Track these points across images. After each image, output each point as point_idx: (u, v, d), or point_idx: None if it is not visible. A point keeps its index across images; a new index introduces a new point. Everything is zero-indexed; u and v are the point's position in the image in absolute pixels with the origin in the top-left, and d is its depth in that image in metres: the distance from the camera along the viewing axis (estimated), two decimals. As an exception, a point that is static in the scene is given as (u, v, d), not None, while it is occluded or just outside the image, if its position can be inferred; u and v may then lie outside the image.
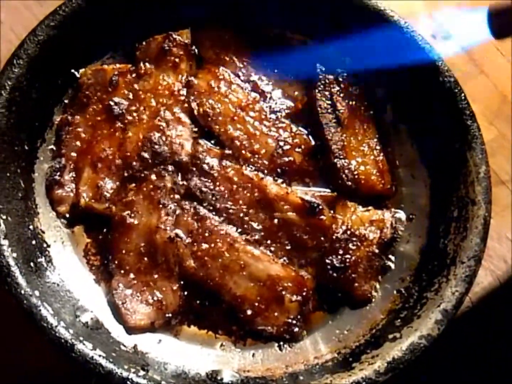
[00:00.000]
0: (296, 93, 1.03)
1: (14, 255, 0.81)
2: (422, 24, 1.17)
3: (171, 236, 0.89)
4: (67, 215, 0.93)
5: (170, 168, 0.94)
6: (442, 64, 0.94)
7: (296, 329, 0.89)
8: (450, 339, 0.88)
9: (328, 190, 0.97)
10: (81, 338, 0.78)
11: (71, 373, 0.87)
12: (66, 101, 0.98)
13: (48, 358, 0.88)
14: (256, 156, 0.97)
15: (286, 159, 0.97)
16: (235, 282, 0.89)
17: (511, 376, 0.96)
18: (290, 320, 0.89)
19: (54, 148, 0.95)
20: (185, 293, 0.90)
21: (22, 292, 0.78)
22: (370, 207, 0.96)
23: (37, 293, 0.80)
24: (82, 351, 0.77)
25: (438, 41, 1.15)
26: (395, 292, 0.92)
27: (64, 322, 0.79)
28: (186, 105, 0.98)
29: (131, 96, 0.98)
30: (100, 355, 0.77)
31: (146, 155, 0.94)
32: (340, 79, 1.02)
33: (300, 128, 1.01)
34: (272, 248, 0.92)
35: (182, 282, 0.89)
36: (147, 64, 1.00)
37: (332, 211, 0.94)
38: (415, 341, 0.80)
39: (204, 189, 0.93)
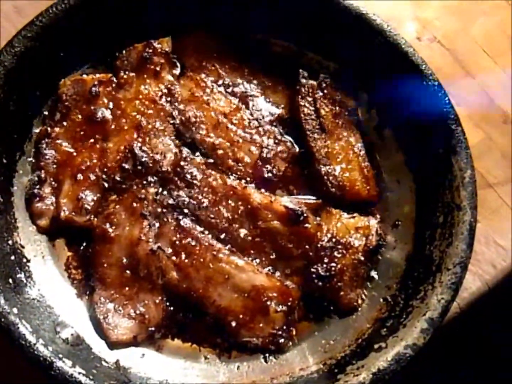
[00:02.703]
0: (279, 99, 1.02)
1: (-8, 272, 0.80)
2: (407, 27, 1.16)
3: (153, 248, 0.88)
4: (48, 229, 0.91)
5: (152, 178, 0.93)
6: (426, 68, 0.93)
7: (282, 340, 0.87)
8: (438, 345, 0.87)
9: (313, 198, 0.96)
10: (60, 355, 0.77)
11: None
12: (45, 112, 0.96)
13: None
14: (240, 164, 0.96)
15: (270, 167, 0.96)
16: (219, 294, 0.87)
17: (501, 381, 0.95)
18: (275, 331, 0.87)
19: (34, 161, 0.94)
20: (168, 305, 0.88)
21: (0, 310, 0.77)
22: (355, 214, 0.95)
23: (15, 310, 0.78)
24: (61, 368, 0.75)
25: (423, 44, 1.14)
26: (381, 300, 0.90)
27: (43, 339, 0.77)
28: (168, 114, 0.97)
29: (111, 106, 0.97)
30: (80, 372, 0.76)
31: (127, 165, 0.93)
32: (324, 85, 1.01)
33: (284, 135, 1.00)
34: (257, 258, 0.91)
35: (165, 295, 0.88)
36: (127, 73, 0.99)
37: (317, 219, 0.93)
38: (401, 351, 0.79)
39: (186, 199, 0.92)
